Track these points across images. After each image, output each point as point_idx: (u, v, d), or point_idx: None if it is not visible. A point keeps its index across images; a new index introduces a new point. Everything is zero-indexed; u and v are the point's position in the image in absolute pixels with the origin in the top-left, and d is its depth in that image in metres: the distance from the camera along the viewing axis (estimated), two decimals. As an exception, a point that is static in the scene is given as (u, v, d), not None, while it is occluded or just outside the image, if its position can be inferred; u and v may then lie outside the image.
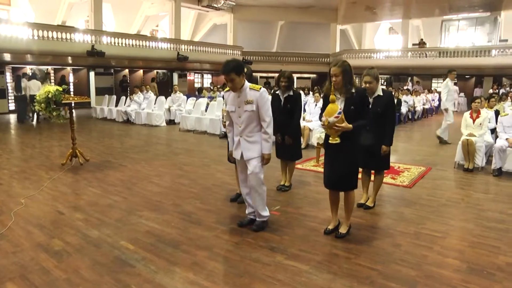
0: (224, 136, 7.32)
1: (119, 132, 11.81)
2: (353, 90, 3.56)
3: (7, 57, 15.71)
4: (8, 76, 17.65)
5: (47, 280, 2.96)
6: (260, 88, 3.70)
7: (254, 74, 26.98)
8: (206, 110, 12.10)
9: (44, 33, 15.34)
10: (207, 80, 26.77)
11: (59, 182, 5.77)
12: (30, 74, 15.80)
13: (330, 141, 3.49)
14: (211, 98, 13.94)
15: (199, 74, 26.46)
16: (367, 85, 4.42)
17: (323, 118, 3.43)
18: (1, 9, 19.98)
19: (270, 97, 4.18)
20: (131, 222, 4.19)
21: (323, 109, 3.59)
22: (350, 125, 3.41)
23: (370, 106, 4.44)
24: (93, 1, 17.99)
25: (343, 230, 3.82)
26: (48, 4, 20.06)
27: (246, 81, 3.72)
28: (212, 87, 19.15)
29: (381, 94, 4.43)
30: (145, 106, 13.99)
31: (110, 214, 4.43)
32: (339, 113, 3.37)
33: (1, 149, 8.51)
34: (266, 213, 3.99)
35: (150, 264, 3.23)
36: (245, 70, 3.74)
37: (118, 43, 18.07)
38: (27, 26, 15.09)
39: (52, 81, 18.07)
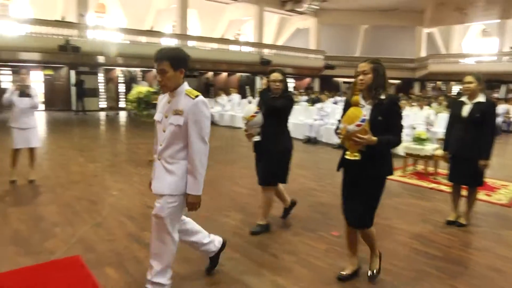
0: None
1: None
2: (383, 97, 2.72)
3: (101, 59, 17.04)
4: (101, 77, 19.13)
5: (141, 268, 3.04)
6: (196, 96, 2.48)
7: (336, 78, 26.49)
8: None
9: (133, 37, 16.41)
10: (290, 84, 26.86)
11: (146, 178, 5.98)
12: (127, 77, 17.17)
13: (347, 157, 2.66)
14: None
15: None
16: (466, 85, 3.98)
17: (341, 125, 2.64)
18: (98, 17, 21.81)
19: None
20: (219, 221, 4.20)
21: (342, 115, 2.76)
22: (375, 138, 2.58)
23: (454, 114, 4.01)
24: (180, 8, 18.89)
25: (374, 266, 3.09)
26: (138, 10, 21.50)
27: (185, 83, 2.54)
28: (294, 92, 19.24)
29: (483, 100, 3.95)
30: (229, 108, 14.29)
31: (197, 211, 4.47)
32: (363, 120, 2.53)
33: (94, 143, 9.17)
34: (161, 279, 2.63)
35: (238, 264, 3.20)
36: (187, 66, 2.52)
37: (202, 46, 18.75)
38: (119, 31, 16.23)
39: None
